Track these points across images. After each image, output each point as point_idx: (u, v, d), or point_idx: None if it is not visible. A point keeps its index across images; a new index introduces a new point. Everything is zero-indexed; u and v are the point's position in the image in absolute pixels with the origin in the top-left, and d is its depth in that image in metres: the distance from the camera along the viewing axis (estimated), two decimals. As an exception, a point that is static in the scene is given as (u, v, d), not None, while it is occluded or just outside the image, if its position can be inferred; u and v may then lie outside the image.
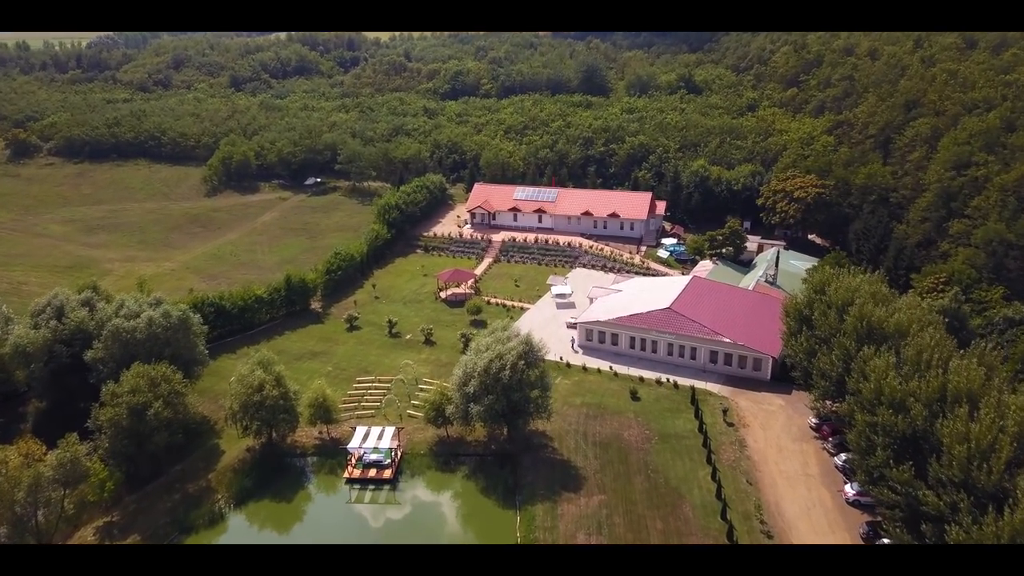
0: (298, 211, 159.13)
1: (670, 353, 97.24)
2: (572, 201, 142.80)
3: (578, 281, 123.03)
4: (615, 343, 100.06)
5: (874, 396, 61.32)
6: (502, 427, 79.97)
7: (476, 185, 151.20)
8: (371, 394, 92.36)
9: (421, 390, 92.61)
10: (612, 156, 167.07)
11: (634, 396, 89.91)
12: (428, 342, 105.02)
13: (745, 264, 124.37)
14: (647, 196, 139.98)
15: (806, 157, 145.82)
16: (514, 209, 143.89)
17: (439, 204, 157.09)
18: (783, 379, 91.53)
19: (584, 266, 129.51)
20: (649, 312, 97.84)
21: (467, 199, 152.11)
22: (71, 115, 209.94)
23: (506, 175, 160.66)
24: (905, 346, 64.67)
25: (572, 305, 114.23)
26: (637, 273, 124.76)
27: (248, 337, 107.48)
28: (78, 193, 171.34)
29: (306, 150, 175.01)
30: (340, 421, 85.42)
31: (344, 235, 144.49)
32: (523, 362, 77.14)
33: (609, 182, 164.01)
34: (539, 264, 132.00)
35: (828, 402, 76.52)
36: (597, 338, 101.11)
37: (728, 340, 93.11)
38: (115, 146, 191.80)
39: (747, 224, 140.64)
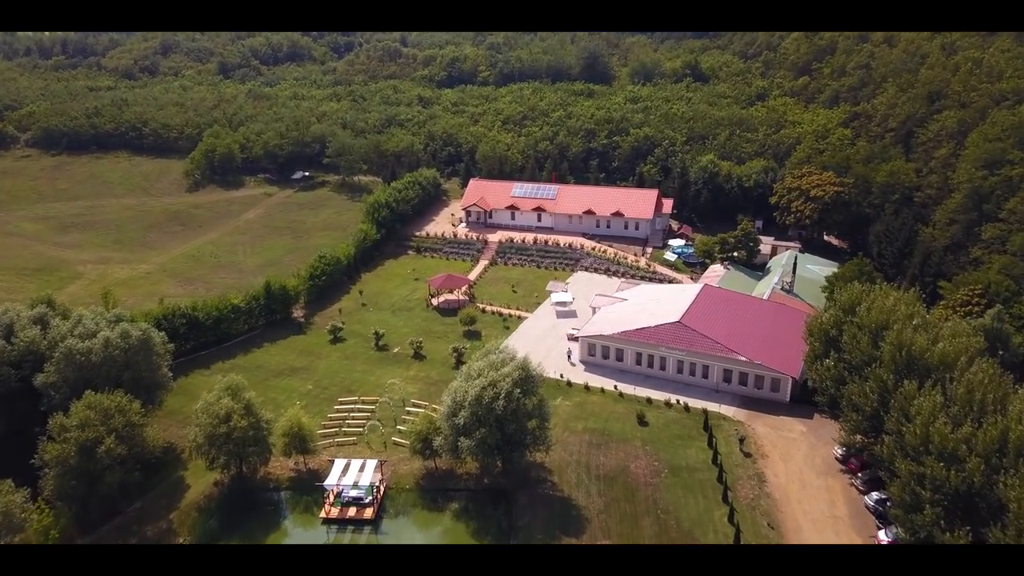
0: (284, 208, 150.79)
1: (680, 371, 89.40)
2: (573, 199, 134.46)
3: (579, 286, 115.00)
4: (620, 359, 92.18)
5: (920, 443, 53.48)
6: (496, 459, 72.16)
7: (472, 181, 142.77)
8: (353, 418, 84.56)
9: (408, 413, 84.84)
10: (615, 149, 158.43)
11: (641, 421, 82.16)
12: (417, 356, 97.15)
13: (758, 268, 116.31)
14: (653, 193, 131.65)
15: (821, 152, 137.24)
16: (512, 207, 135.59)
17: (432, 200, 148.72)
18: (803, 401, 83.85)
19: (586, 269, 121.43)
20: (657, 326, 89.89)
21: (462, 195, 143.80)
22: (51, 104, 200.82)
23: (503, 170, 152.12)
24: (953, 383, 56.70)
25: (573, 314, 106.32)
26: (643, 278, 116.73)
27: (224, 350, 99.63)
28: (53, 188, 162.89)
29: (293, 142, 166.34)
30: (318, 452, 77.62)
31: (331, 235, 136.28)
32: (519, 390, 69.22)
33: (612, 176, 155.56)
34: (538, 267, 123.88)
35: (860, 437, 68.58)
36: (600, 353, 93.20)
37: (744, 358, 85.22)
38: (95, 137, 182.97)
39: (759, 224, 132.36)
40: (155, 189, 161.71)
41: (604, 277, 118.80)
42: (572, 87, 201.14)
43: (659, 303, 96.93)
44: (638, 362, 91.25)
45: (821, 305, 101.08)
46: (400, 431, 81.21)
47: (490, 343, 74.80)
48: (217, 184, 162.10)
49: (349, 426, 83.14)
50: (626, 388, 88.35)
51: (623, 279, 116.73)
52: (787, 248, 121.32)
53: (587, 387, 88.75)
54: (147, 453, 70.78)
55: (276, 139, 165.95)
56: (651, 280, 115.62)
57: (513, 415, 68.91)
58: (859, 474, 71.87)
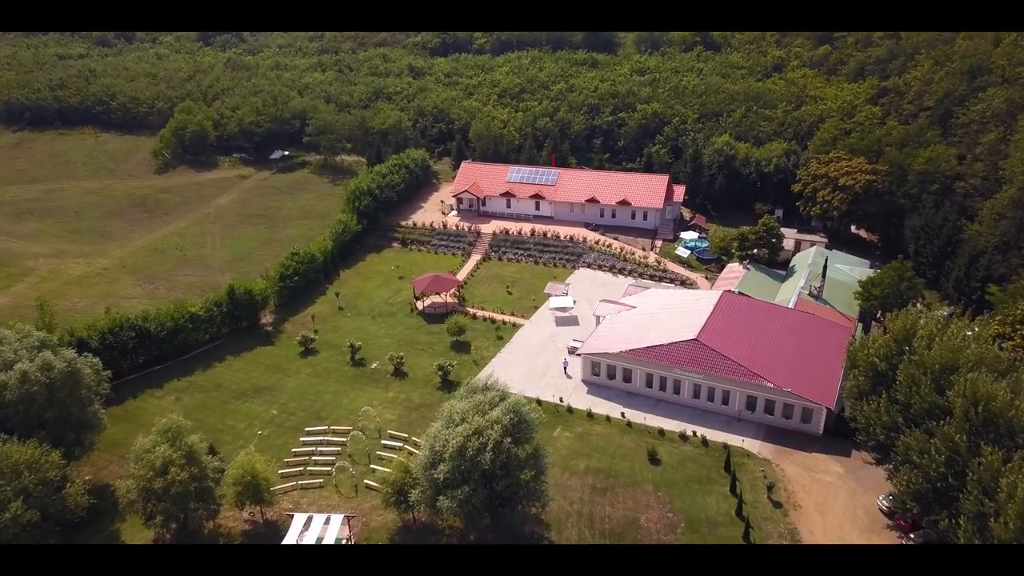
0: (260, 192, 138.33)
1: (696, 396, 78.19)
2: (575, 185, 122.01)
3: (581, 287, 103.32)
4: (628, 380, 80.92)
5: (1017, 536, 42.28)
6: (483, 518, 61.08)
7: (463, 165, 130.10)
8: (321, 453, 73.52)
9: (385, 447, 73.82)
10: (621, 127, 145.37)
11: (653, 458, 71.18)
12: (398, 373, 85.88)
13: (780, 266, 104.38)
14: (663, 180, 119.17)
15: (848, 133, 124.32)
16: (507, 194, 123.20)
17: (421, 185, 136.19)
18: (839, 433, 72.84)
19: (589, 266, 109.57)
20: (671, 344, 78.43)
21: (454, 178, 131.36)
22: (16, 75, 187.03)
23: (499, 150, 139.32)
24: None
25: (574, 320, 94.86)
26: (652, 276, 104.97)
27: (181, 365, 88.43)
28: (11, 169, 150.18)
29: (271, 119, 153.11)
30: (276, 500, 66.66)
31: (309, 224, 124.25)
32: (510, 439, 57.94)
33: (618, 157, 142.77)
34: (536, 263, 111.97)
35: (917, 504, 57.05)
36: (606, 373, 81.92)
37: (771, 384, 73.89)
38: (59, 112, 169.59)
39: (779, 213, 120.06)
40: (121, 170, 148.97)
41: (609, 275, 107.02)
42: (574, 56, 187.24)
43: (672, 313, 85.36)
44: (648, 384, 79.99)
45: (853, 312, 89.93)
46: (374, 471, 70.28)
47: (476, 377, 63.43)
48: (188, 165, 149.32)
49: (316, 463, 72.16)
50: (635, 415, 77.27)
51: (630, 278, 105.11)
52: (812, 243, 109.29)
53: (590, 414, 77.61)
54: (67, 513, 59.60)
55: (252, 115, 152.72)
56: (661, 280, 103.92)
57: (503, 468, 57.74)
58: (911, 534, 60.93)
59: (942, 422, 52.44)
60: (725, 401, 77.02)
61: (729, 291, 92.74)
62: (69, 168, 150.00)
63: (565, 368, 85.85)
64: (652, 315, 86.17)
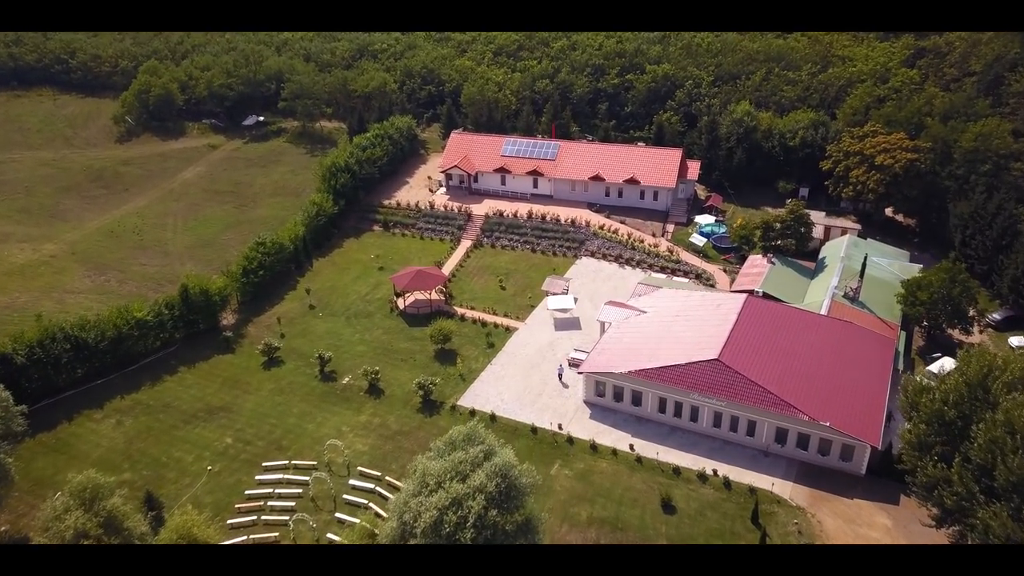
0: (229, 165, 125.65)
1: (717, 424, 67.33)
2: (577, 159, 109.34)
3: (584, 280, 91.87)
4: (637, 403, 70.04)
5: None
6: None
7: (453, 135, 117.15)
8: (280, 496, 62.94)
9: (354, 489, 63.27)
10: (629, 90, 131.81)
11: (667, 505, 60.71)
12: (373, 390, 74.97)
13: (809, 255, 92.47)
14: (676, 155, 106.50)
15: (882, 100, 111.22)
16: (502, 169, 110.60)
17: (407, 157, 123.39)
18: (884, 473, 62.19)
19: (593, 255, 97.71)
20: (688, 364, 67.24)
21: (443, 147, 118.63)
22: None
23: (493, 117, 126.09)
24: None
25: (576, 324, 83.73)
26: (663, 268, 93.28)
27: (127, 378, 77.56)
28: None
29: (244, 81, 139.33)
30: (220, 566, 56.21)
31: (282, 203, 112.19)
32: (496, 511, 47.13)
33: (624, 124, 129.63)
34: (533, 251, 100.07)
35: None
36: (612, 394, 70.95)
37: (805, 417, 62.90)
38: (15, 71, 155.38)
39: (803, 192, 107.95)
40: (79, 138, 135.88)
41: (615, 266, 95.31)
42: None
43: (688, 322, 73.99)
44: (661, 409, 69.08)
45: (895, 317, 78.52)
46: (340, 522, 59.87)
47: (455, 428, 52.32)
48: (153, 133, 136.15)
49: (272, 510, 61.60)
50: (645, 448, 66.58)
51: (638, 270, 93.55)
52: (843, 230, 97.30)
53: (594, 446, 66.83)
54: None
55: (223, 77, 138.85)
56: (674, 272, 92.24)
57: (486, 543, 47.08)
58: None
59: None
60: (751, 432, 66.18)
61: (753, 294, 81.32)
62: (22, 135, 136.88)
63: (560, 375, 75.25)
64: (665, 324, 74.83)
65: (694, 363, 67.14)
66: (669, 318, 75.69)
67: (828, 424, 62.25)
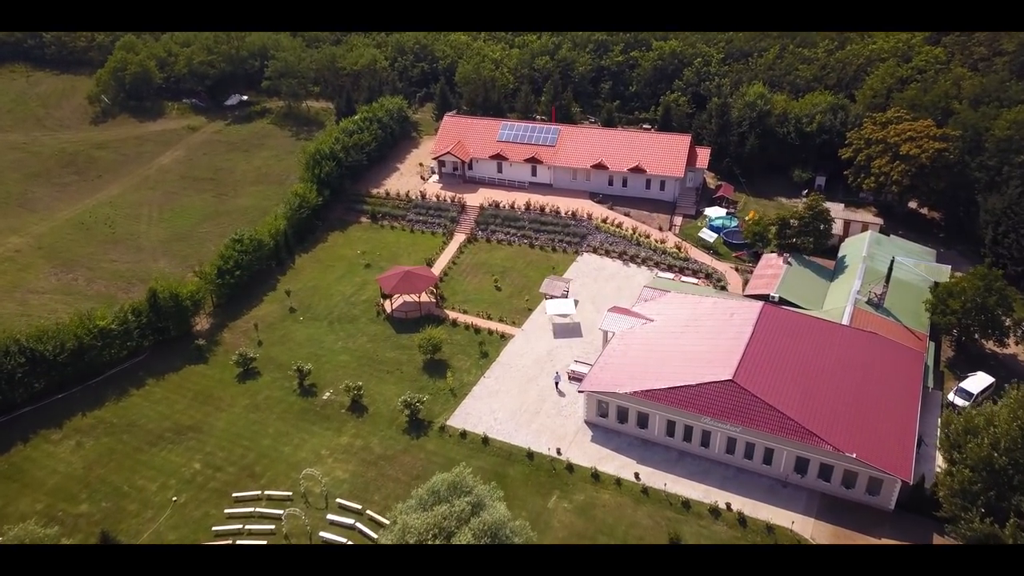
0: (210, 149, 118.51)
1: (730, 450, 61.51)
2: (579, 145, 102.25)
3: (586, 279, 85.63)
4: (643, 425, 64.14)
5: None
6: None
7: (446, 118, 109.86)
8: (250, 534, 57.28)
9: (332, 524, 57.58)
10: (634, 68, 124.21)
11: (675, 545, 54.97)
12: (355, 407, 69.07)
13: (827, 252, 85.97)
14: (684, 141, 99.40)
15: (906, 82, 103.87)
16: (498, 156, 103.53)
17: (398, 141, 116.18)
18: (914, 508, 56.47)
19: (595, 251, 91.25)
20: (700, 385, 61.18)
21: (436, 129, 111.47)
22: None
23: (490, 98, 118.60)
24: None
25: (577, 330, 77.69)
26: (670, 267, 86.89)
27: (89, 392, 71.69)
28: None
29: (226, 58, 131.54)
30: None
31: (264, 191, 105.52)
32: (485, 576, 41.33)
33: (629, 104, 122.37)
34: (531, 246, 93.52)
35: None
36: (615, 415, 65.02)
37: (830, 447, 56.99)
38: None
39: (820, 181, 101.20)
40: (52, 119, 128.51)
41: (619, 264, 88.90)
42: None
43: (699, 334, 67.80)
44: (669, 433, 63.20)
45: (923, 325, 72.33)
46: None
47: (438, 476, 46.33)
48: (131, 113, 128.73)
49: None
50: (652, 476, 60.87)
51: (643, 268, 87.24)
52: (863, 225, 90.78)
53: (596, 475, 61.03)
54: None
55: (203, 54, 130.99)
56: (682, 271, 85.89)
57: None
58: None
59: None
60: (768, 460, 60.35)
61: (768, 299, 75.04)
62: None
63: (557, 383, 69.58)
64: (674, 336, 68.62)
65: (706, 384, 61.05)
66: (678, 329, 69.45)
67: (855, 456, 56.34)
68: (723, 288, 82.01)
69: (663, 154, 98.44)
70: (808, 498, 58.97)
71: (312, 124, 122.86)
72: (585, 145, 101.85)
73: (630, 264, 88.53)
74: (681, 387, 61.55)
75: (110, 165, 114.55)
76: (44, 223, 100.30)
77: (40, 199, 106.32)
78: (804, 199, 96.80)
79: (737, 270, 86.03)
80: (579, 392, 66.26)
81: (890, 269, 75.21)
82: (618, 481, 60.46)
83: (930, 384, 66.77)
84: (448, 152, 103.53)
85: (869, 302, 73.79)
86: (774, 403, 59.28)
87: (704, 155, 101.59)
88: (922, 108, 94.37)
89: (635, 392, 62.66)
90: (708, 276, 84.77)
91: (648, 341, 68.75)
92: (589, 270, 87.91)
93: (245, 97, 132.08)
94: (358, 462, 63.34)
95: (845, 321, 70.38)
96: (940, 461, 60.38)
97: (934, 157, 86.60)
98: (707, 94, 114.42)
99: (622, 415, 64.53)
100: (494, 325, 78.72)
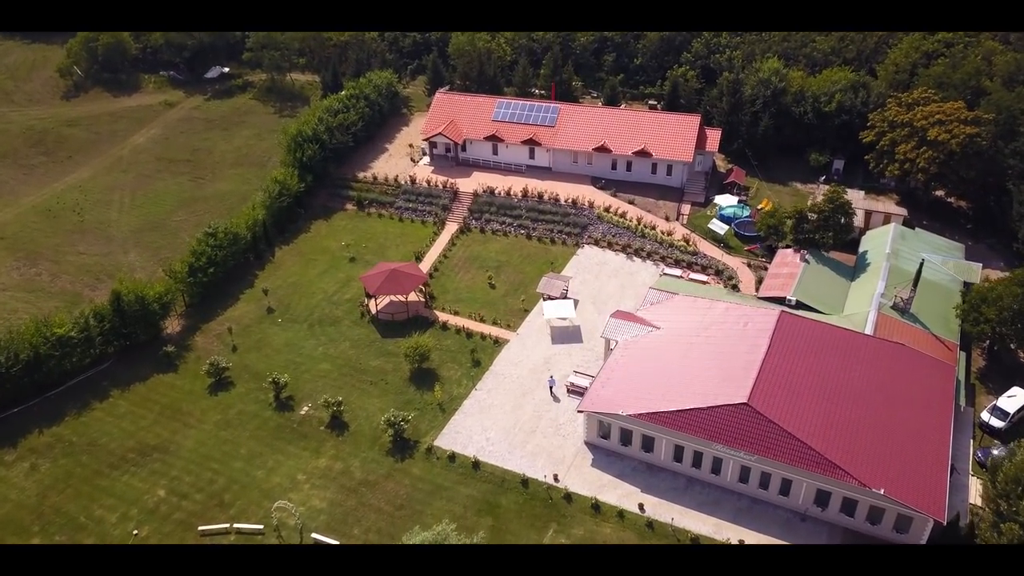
0: (188, 127, 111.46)
1: (744, 479, 56.14)
2: (580, 126, 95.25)
3: (587, 276, 79.65)
4: (648, 448, 58.72)
5: None
6: None
7: (438, 95, 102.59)
8: (216, 574, 52.09)
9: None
10: (639, 39, 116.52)
11: (684, 590, 49.71)
12: (335, 424, 63.58)
13: (847, 246, 79.76)
14: (693, 122, 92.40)
15: (931, 57, 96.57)
16: (493, 137, 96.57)
17: (387, 119, 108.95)
18: (948, 546, 51.14)
19: (597, 243, 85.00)
20: (711, 408, 55.58)
21: (428, 105, 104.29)
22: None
23: (485, 71, 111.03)
24: None
25: (577, 335, 71.97)
26: (678, 261, 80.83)
27: (48, 405, 66.28)
28: None
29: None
30: None
31: (244, 174, 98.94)
32: (469, 658, 36.17)
33: (633, 78, 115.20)
34: (528, 237, 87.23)
35: None
36: (618, 437, 59.55)
37: (855, 482, 51.56)
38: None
39: (837, 165, 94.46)
40: (20, 93, 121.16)
41: (622, 258, 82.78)
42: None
43: (710, 345, 61.99)
44: (677, 458, 57.79)
45: (952, 333, 66.51)
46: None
47: (417, 538, 40.94)
48: (104, 87, 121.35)
49: (206, 594, 50.85)
50: (658, 508, 55.63)
51: (651, 263, 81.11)
52: (886, 215, 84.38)
53: (596, 506, 55.73)
54: None
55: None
56: (690, 266, 79.86)
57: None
58: None
59: None
60: (784, 491, 55.02)
61: (784, 302, 69.13)
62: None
63: (551, 388, 64.29)
64: (682, 347, 62.78)
65: (718, 407, 55.44)
66: (687, 338, 63.57)
67: (883, 492, 50.92)
68: (735, 288, 75.98)
69: (671, 136, 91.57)
70: (829, 534, 53.78)
71: (296, 99, 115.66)
72: (587, 126, 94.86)
73: (634, 258, 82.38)
74: (690, 410, 55.94)
75: (81, 144, 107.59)
76: (8, 210, 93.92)
77: (5, 183, 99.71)
78: (821, 185, 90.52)
79: (750, 266, 79.88)
80: (578, 412, 60.63)
81: (918, 272, 68.94)
82: (621, 513, 55.19)
83: (962, 402, 61.25)
84: (440, 132, 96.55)
85: (894, 307, 67.85)
86: (793, 430, 53.73)
87: (714, 137, 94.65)
88: (950, 86, 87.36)
89: (640, 414, 57.06)
90: (718, 273, 78.71)
91: (654, 353, 62.93)
92: (590, 265, 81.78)
93: (226, 69, 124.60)
94: (337, 488, 58.02)
95: (869, 330, 64.52)
96: (974, 491, 55.18)
97: (965, 143, 79.84)
98: (717, 68, 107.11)
99: (625, 437, 59.05)
100: (487, 329, 72.87)
